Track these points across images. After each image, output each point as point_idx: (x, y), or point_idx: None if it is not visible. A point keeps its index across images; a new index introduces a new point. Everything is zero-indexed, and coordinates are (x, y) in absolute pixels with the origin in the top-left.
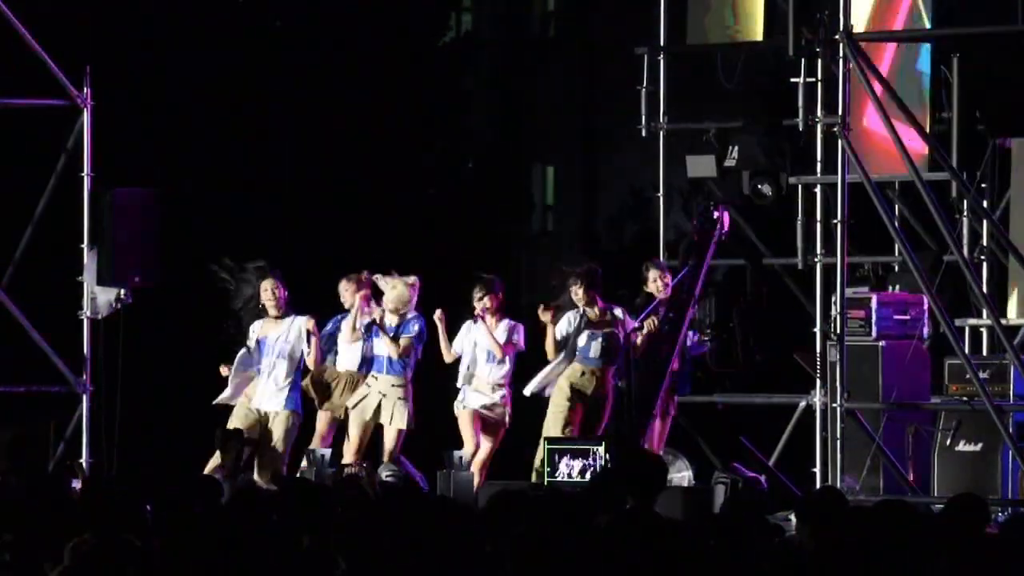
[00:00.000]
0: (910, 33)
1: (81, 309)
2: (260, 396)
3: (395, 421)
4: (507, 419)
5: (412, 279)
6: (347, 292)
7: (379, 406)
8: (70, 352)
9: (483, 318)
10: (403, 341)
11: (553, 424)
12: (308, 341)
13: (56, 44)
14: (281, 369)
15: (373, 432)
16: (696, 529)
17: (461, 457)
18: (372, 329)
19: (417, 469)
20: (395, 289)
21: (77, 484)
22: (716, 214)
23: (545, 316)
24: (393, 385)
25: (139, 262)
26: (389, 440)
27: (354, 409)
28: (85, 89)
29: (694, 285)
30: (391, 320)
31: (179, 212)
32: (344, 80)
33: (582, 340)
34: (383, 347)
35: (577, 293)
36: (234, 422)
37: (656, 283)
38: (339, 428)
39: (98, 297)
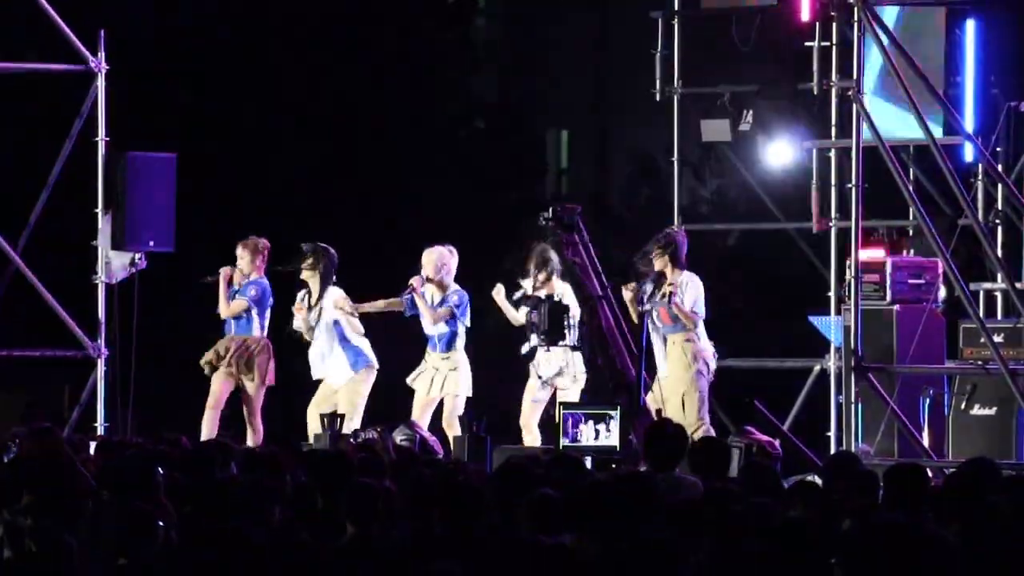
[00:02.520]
0: None
1: (96, 273)
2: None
3: (448, 388)
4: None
5: (450, 247)
6: (243, 260)
7: (432, 380)
8: (85, 316)
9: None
10: (442, 311)
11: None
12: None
13: (70, 9)
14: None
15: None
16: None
17: (480, 422)
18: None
19: (432, 433)
20: (432, 253)
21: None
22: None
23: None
24: (443, 360)
25: (153, 226)
26: (448, 406)
27: (415, 383)
28: (99, 54)
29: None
30: (433, 293)
31: (193, 176)
32: (356, 43)
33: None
34: (427, 322)
35: (657, 263)
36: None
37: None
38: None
39: (112, 261)
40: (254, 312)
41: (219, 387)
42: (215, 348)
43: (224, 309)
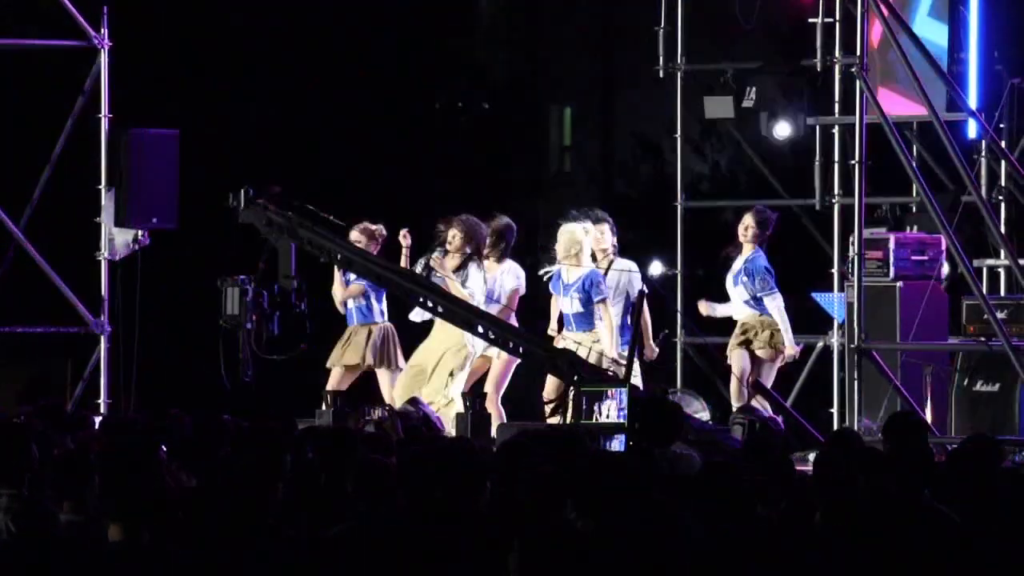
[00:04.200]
0: None
1: (99, 250)
2: None
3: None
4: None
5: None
6: (358, 245)
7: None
8: (88, 293)
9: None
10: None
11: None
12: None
13: None
14: None
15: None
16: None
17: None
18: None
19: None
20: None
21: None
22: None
23: None
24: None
25: (157, 203)
26: None
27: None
28: (102, 30)
29: None
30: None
31: (197, 153)
32: (360, 20)
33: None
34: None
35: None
36: None
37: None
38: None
39: (116, 238)
40: (372, 297)
41: (339, 379)
42: (345, 344)
43: (339, 291)
